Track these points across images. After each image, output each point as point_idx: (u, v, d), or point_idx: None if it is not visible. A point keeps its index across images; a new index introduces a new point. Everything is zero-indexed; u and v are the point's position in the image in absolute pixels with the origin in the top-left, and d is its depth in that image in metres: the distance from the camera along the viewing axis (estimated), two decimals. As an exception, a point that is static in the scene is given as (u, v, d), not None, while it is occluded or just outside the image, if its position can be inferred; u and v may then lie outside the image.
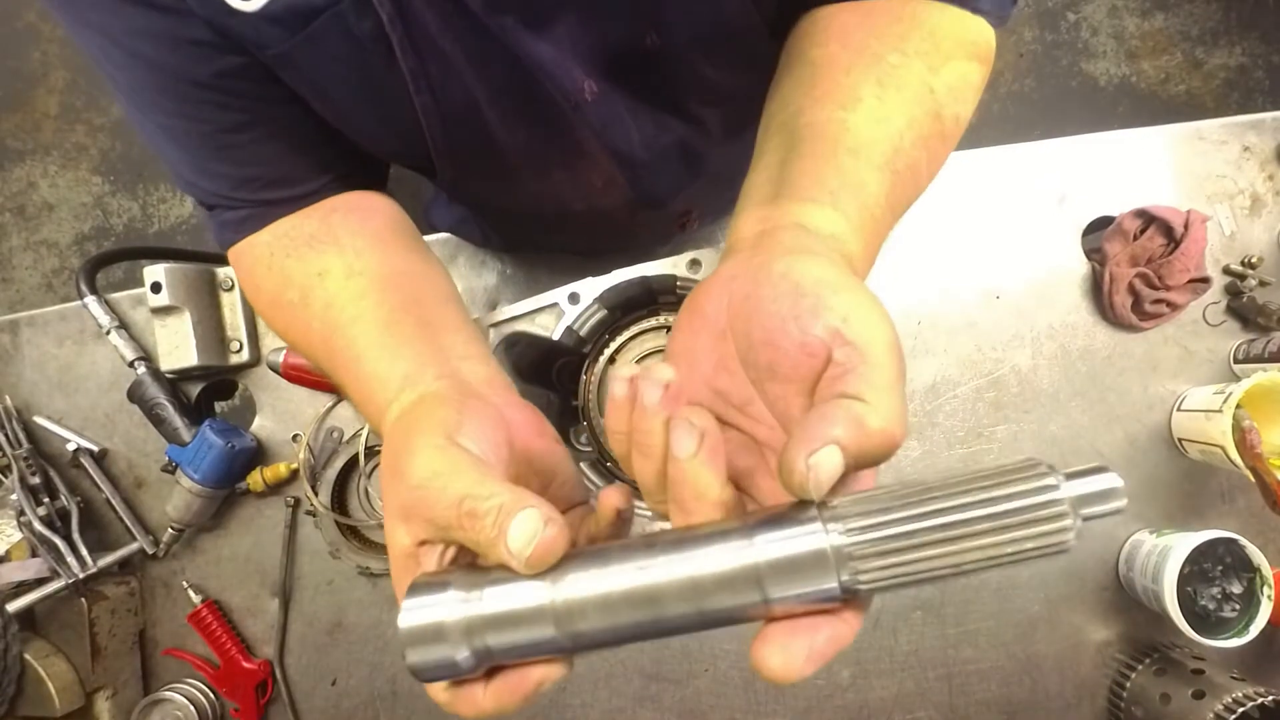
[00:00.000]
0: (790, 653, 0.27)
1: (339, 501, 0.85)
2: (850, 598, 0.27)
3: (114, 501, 0.86)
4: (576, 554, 0.30)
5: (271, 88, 0.47)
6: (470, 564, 0.33)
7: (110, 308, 0.85)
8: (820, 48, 0.44)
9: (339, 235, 0.52)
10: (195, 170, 0.52)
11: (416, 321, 0.46)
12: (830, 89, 0.42)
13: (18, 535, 0.81)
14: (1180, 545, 0.72)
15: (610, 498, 0.35)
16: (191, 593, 0.85)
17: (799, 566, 0.26)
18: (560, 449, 0.40)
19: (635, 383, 0.31)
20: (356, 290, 0.48)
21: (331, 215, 0.53)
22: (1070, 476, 0.26)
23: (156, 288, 0.79)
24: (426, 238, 0.74)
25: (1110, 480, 0.26)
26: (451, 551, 0.33)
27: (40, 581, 0.80)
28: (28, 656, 0.78)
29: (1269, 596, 0.72)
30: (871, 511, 0.26)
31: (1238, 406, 0.71)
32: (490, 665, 0.31)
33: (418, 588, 0.31)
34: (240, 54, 0.45)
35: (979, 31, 0.45)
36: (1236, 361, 0.80)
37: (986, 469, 0.26)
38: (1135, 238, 0.80)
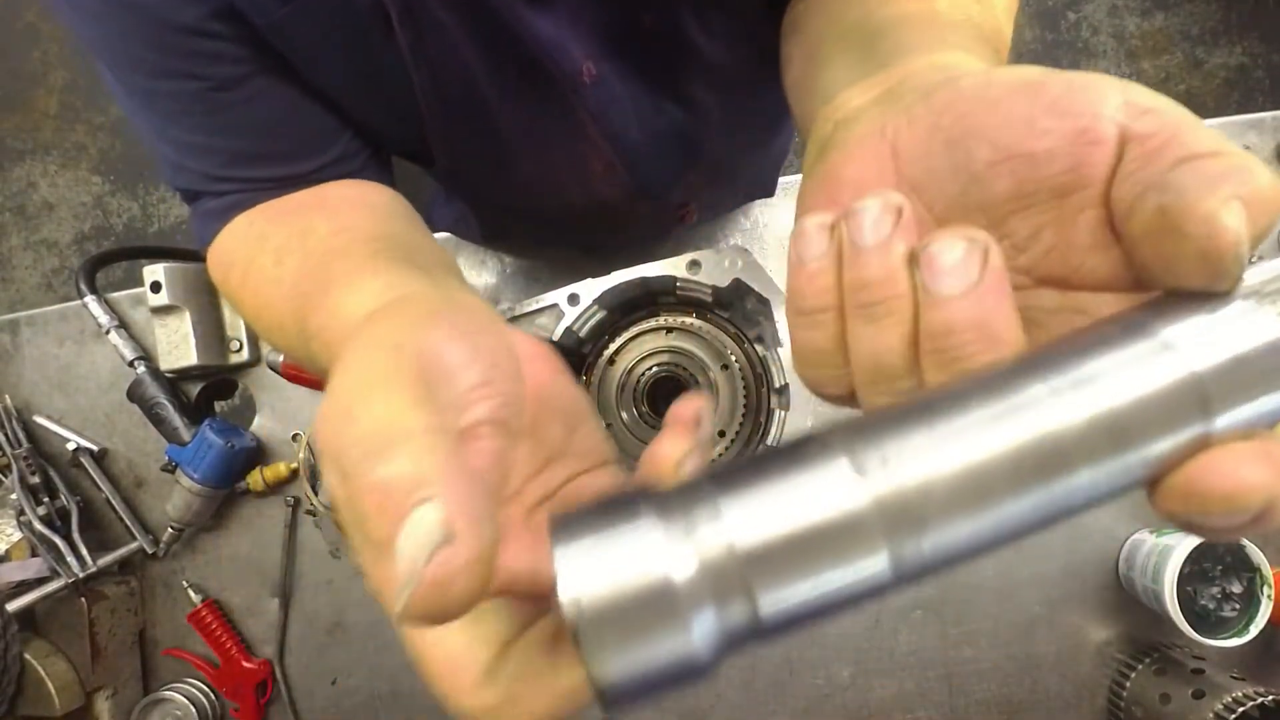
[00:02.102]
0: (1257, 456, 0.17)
1: (339, 501, 0.85)
2: None
3: (114, 501, 0.86)
4: (857, 422, 0.18)
5: (267, 45, 0.44)
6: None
7: (110, 307, 0.85)
8: None
9: (329, 201, 0.47)
10: (183, 147, 0.47)
11: (403, 261, 0.37)
12: None
13: (18, 535, 0.81)
14: (1180, 545, 0.72)
15: (685, 408, 0.24)
16: (191, 592, 0.85)
17: (1256, 366, 0.17)
18: (580, 390, 0.30)
19: (846, 222, 0.22)
20: (344, 241, 0.41)
21: (325, 189, 0.48)
22: None
23: (156, 287, 0.79)
24: (426, 237, 0.74)
25: None
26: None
27: (40, 581, 0.80)
28: (28, 656, 0.78)
29: (1269, 596, 0.72)
30: None
31: (1238, 406, 0.71)
32: (743, 647, 0.18)
33: (576, 522, 0.18)
34: None
35: None
36: None
37: None
38: (1135, 237, 0.80)
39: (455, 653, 0.22)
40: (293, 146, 0.47)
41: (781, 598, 0.17)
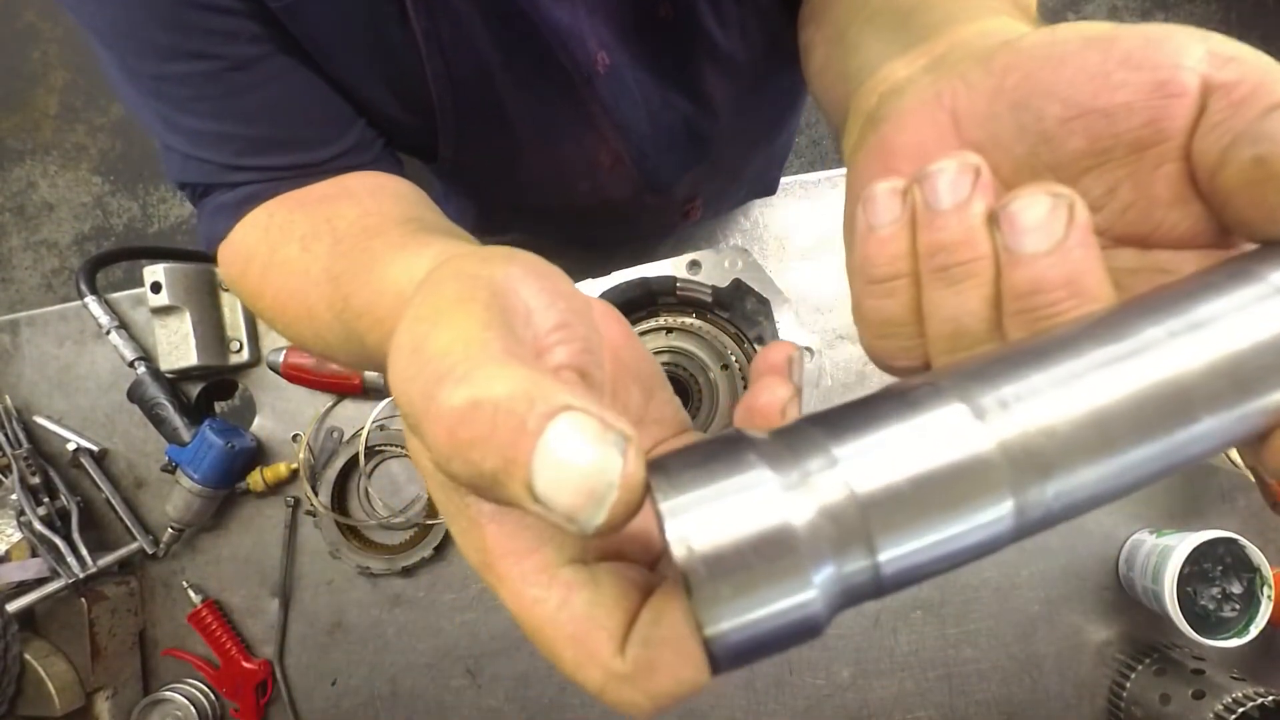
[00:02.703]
0: None
1: (339, 501, 0.85)
2: None
3: (114, 501, 0.86)
4: (968, 363, 0.17)
5: (281, 27, 0.43)
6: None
7: (110, 308, 0.85)
8: None
9: (353, 189, 0.45)
10: (194, 136, 0.45)
11: (448, 234, 0.37)
12: None
13: (18, 535, 0.81)
14: (1180, 545, 0.72)
15: (776, 354, 0.23)
16: (191, 593, 0.85)
17: None
18: (652, 356, 0.29)
19: (920, 186, 0.21)
20: (374, 225, 0.40)
21: (345, 179, 0.47)
22: None
23: (156, 288, 0.79)
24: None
25: None
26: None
27: (40, 581, 0.80)
28: (28, 656, 0.78)
29: (1269, 596, 0.72)
30: None
31: (1238, 406, 0.71)
32: (859, 603, 0.17)
33: (673, 475, 0.16)
34: None
35: None
36: None
37: None
38: (1135, 238, 0.80)
39: (584, 621, 0.19)
40: (308, 132, 0.46)
41: (904, 548, 0.16)
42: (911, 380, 0.17)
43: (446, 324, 0.18)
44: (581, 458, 0.15)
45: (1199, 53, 0.20)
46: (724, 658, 0.16)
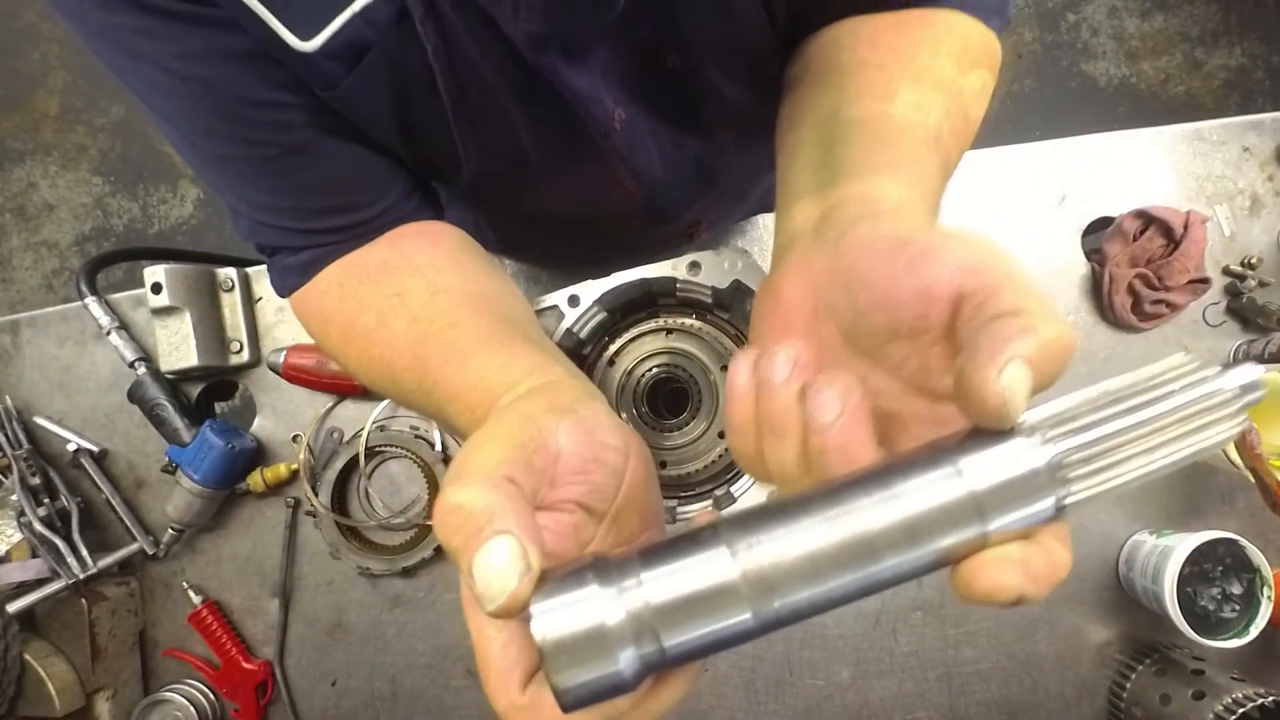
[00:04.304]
0: (1011, 565, 0.24)
1: (339, 502, 0.85)
2: (1057, 516, 0.25)
3: (114, 502, 0.86)
4: (743, 515, 0.26)
5: (328, 109, 0.47)
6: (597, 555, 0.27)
7: (110, 308, 0.85)
8: (849, 53, 0.45)
9: (413, 258, 0.50)
10: (257, 207, 0.50)
11: (524, 338, 0.44)
12: (866, 85, 0.42)
13: (18, 535, 0.81)
14: (1180, 546, 0.72)
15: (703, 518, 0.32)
16: (191, 593, 0.85)
17: (1018, 488, 0.24)
18: (660, 498, 0.38)
19: (760, 364, 0.29)
20: (446, 305, 0.46)
21: (400, 241, 0.51)
22: (1224, 369, 0.26)
23: (157, 288, 0.79)
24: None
25: (1255, 370, 0.26)
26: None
27: (40, 582, 0.80)
28: (28, 657, 0.78)
29: (1269, 597, 0.72)
30: (1063, 421, 0.25)
31: (1237, 407, 0.71)
32: (657, 671, 0.26)
33: (546, 587, 0.25)
34: None
35: (994, 42, 0.48)
36: (1236, 362, 0.80)
37: (1147, 371, 0.26)
38: (1135, 238, 0.80)
39: (510, 661, 0.28)
40: (359, 197, 0.50)
41: (681, 639, 0.25)
42: (704, 523, 0.26)
43: (486, 446, 0.28)
44: (496, 568, 0.25)
45: (955, 265, 0.27)
46: (568, 704, 0.25)
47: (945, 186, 0.41)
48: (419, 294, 0.47)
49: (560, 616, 0.24)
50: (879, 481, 0.25)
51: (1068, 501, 0.25)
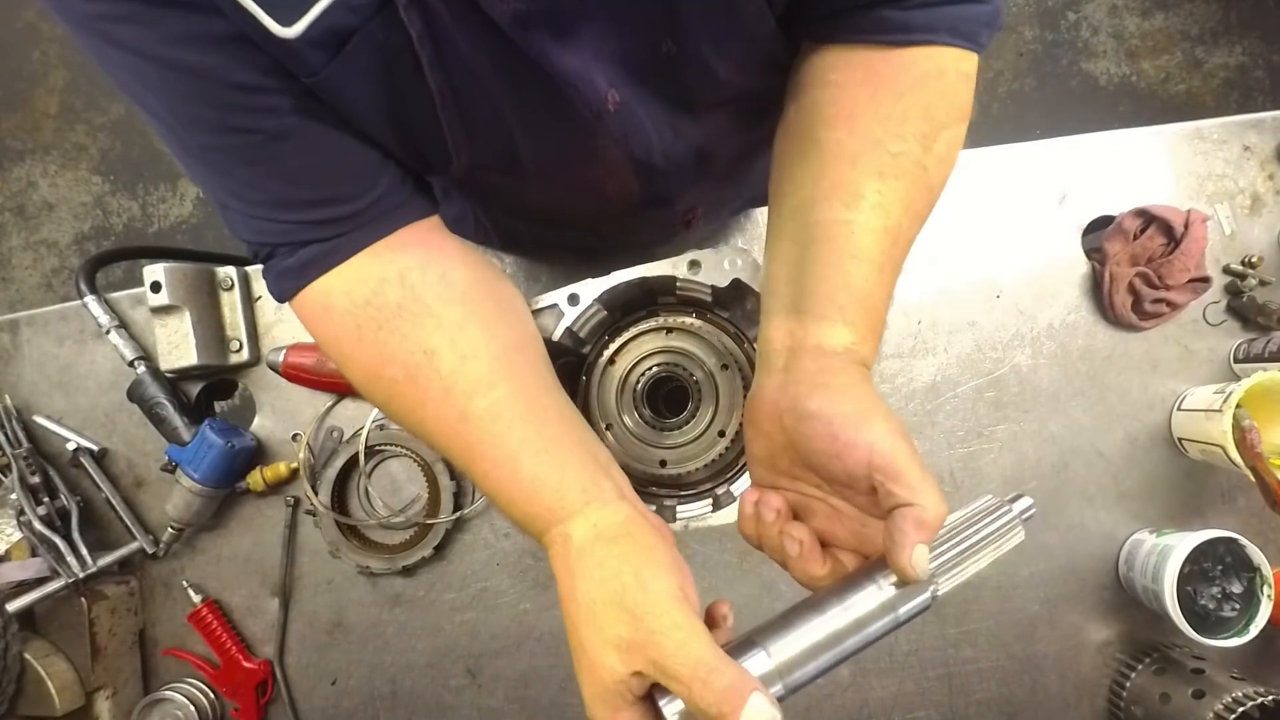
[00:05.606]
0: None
1: (339, 501, 0.85)
2: (934, 601, 0.42)
3: (114, 501, 0.86)
4: (763, 629, 0.41)
5: (313, 95, 0.47)
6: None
7: (110, 307, 0.85)
8: (829, 130, 0.49)
9: (429, 303, 0.51)
10: (245, 199, 0.50)
11: (559, 419, 0.52)
12: (837, 183, 0.48)
13: (18, 535, 0.81)
14: (1180, 545, 0.72)
15: (719, 608, 0.48)
16: (191, 592, 0.85)
17: (914, 593, 0.41)
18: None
19: (759, 506, 0.46)
20: (477, 376, 0.51)
21: (409, 275, 0.51)
22: (1011, 502, 0.44)
23: (156, 287, 0.79)
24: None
25: (1027, 500, 0.44)
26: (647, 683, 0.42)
27: (40, 581, 0.80)
28: (28, 656, 0.78)
29: (1269, 596, 0.72)
30: (931, 556, 0.42)
31: (1238, 406, 0.71)
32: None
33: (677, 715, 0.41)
34: None
35: (969, 63, 0.49)
36: (1236, 361, 0.80)
37: (966, 512, 0.44)
38: (1135, 237, 0.80)
39: None
40: (349, 187, 0.50)
41: (791, 679, 0.40)
42: (748, 636, 0.41)
43: (692, 630, 0.40)
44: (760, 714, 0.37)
45: (868, 452, 0.41)
46: None
47: (895, 280, 0.50)
48: (448, 359, 0.51)
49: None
50: (838, 598, 0.41)
51: (939, 593, 0.42)
